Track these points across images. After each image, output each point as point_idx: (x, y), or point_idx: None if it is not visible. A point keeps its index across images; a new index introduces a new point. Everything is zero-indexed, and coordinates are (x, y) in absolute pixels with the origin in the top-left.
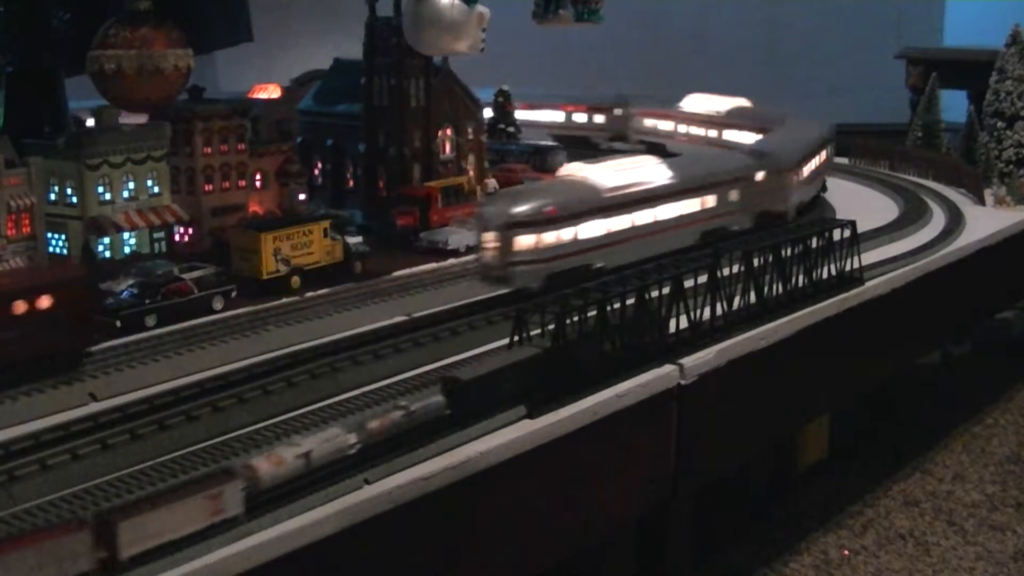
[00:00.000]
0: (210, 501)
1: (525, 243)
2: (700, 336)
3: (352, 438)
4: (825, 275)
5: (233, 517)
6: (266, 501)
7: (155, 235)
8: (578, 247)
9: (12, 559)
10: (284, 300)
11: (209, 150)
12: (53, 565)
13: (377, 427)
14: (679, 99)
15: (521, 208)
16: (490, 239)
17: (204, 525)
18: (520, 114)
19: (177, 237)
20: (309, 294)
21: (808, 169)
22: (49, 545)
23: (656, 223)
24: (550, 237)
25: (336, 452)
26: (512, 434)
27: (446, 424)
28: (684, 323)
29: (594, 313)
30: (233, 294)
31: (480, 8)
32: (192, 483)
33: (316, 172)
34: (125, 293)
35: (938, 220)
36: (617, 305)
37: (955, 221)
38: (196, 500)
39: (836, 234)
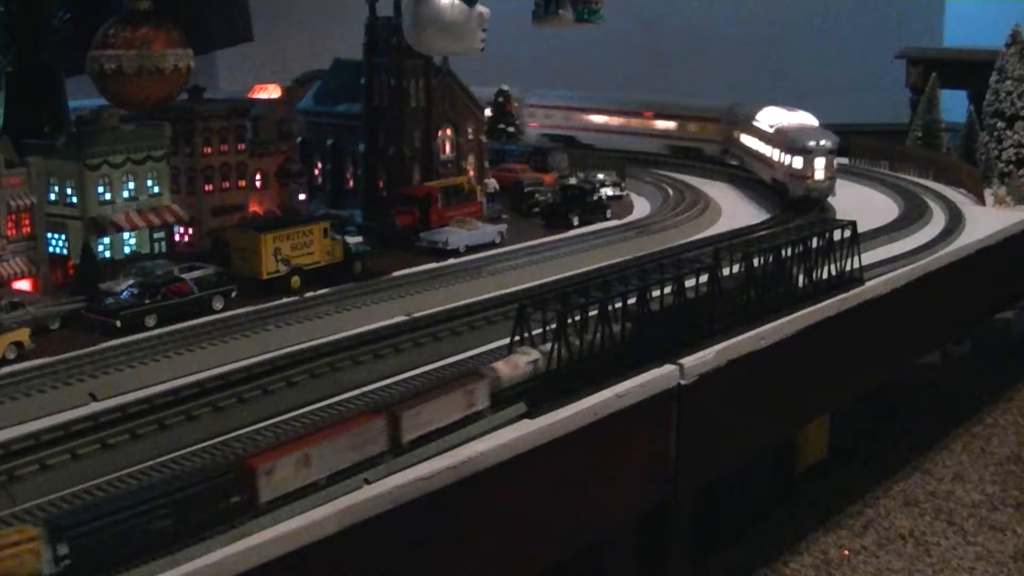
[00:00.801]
0: (466, 396)
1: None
2: (700, 336)
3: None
4: (825, 275)
5: (480, 411)
6: (504, 398)
7: (155, 235)
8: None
9: (334, 442)
10: (284, 300)
11: (209, 150)
12: (359, 447)
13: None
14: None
15: (831, 140)
16: (822, 164)
17: (460, 416)
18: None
19: (177, 237)
20: (309, 294)
21: None
22: (359, 430)
23: None
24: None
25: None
26: (512, 434)
27: None
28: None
29: (595, 312)
30: (233, 294)
31: (480, 8)
32: (453, 382)
33: (316, 172)
34: (125, 293)
35: (938, 220)
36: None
37: (955, 221)
38: (456, 395)
39: (836, 234)
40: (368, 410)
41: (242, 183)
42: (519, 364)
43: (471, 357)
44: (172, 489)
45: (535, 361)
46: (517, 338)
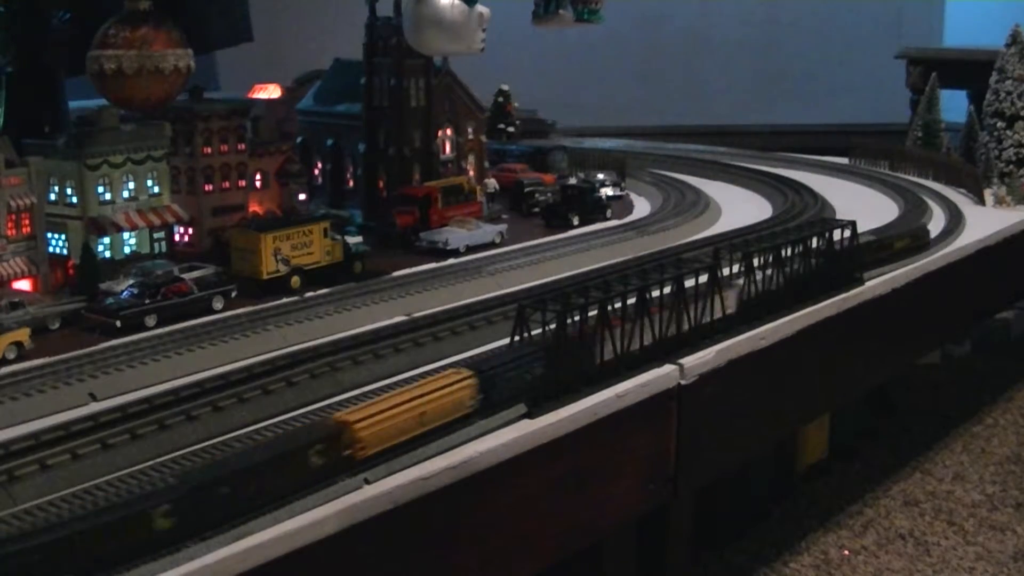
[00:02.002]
0: None
1: None
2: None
3: None
4: (825, 275)
5: None
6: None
7: (155, 235)
8: None
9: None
10: (284, 300)
11: (209, 150)
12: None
13: None
14: None
15: None
16: None
17: None
18: None
19: (177, 237)
20: (309, 294)
21: None
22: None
23: None
24: None
25: None
26: (512, 434)
27: None
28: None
29: (595, 312)
30: (233, 294)
31: (480, 8)
32: None
33: (316, 172)
34: (125, 293)
35: (938, 220)
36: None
37: (955, 221)
38: None
39: (836, 234)
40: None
41: (242, 183)
42: None
43: (470, 357)
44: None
45: None
46: (517, 338)
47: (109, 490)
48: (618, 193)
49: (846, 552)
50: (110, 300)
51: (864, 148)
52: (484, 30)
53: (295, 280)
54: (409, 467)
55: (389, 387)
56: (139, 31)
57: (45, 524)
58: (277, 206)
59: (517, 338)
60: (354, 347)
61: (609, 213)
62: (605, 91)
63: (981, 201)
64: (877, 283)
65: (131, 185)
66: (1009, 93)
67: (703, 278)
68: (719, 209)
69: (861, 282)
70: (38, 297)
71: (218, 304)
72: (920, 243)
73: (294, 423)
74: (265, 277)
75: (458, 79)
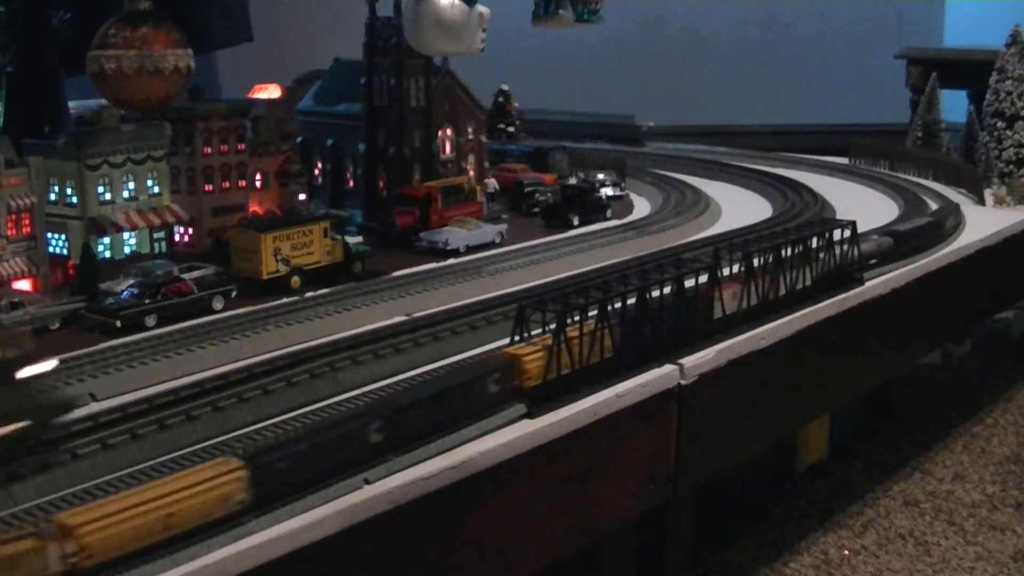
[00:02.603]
0: None
1: None
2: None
3: None
4: (825, 275)
5: None
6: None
7: (155, 235)
8: None
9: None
10: (284, 300)
11: (209, 150)
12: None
13: None
14: None
15: None
16: None
17: None
18: None
19: (177, 237)
20: (309, 294)
21: None
22: None
23: None
24: None
25: None
26: (512, 434)
27: None
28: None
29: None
30: (233, 294)
31: (480, 8)
32: None
33: (316, 172)
34: (125, 293)
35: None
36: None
37: (955, 221)
38: None
39: (836, 234)
40: None
41: (242, 183)
42: None
43: (471, 357)
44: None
45: None
46: (517, 338)
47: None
48: (618, 193)
49: (846, 552)
50: (110, 300)
51: (864, 148)
52: (484, 30)
53: (295, 280)
54: (409, 467)
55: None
56: (139, 31)
57: (293, 434)
58: (277, 206)
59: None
60: (354, 347)
61: (609, 213)
62: (605, 91)
63: (981, 201)
64: (877, 283)
65: (131, 185)
66: (1009, 93)
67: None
68: (719, 209)
69: (861, 282)
70: (38, 297)
71: (218, 304)
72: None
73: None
74: (265, 277)
75: (458, 79)
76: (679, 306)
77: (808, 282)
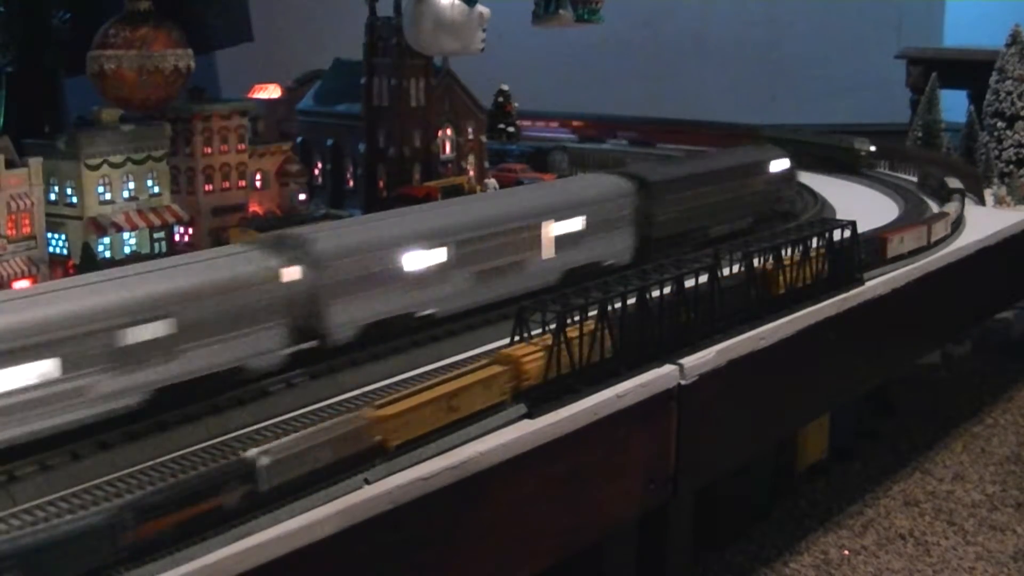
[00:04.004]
0: None
1: None
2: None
3: None
4: (825, 275)
5: None
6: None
7: (155, 235)
8: None
9: None
10: None
11: (209, 150)
12: None
13: None
14: None
15: None
16: None
17: None
18: None
19: (177, 237)
20: None
21: None
22: None
23: None
24: None
25: None
26: (512, 434)
27: None
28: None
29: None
30: None
31: (480, 8)
32: None
33: (316, 172)
34: None
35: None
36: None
37: (955, 221)
38: None
39: (836, 234)
40: None
41: (242, 183)
42: None
43: (470, 357)
44: None
45: None
46: (517, 338)
47: None
48: None
49: (846, 552)
50: None
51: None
52: (484, 30)
53: None
54: (409, 467)
55: None
56: (139, 31)
57: None
58: (277, 206)
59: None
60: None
61: None
62: (605, 91)
63: (981, 201)
64: (877, 283)
65: (131, 185)
66: (1009, 93)
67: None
68: None
69: (861, 282)
70: None
71: None
72: None
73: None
74: None
75: (458, 79)
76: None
77: (808, 282)
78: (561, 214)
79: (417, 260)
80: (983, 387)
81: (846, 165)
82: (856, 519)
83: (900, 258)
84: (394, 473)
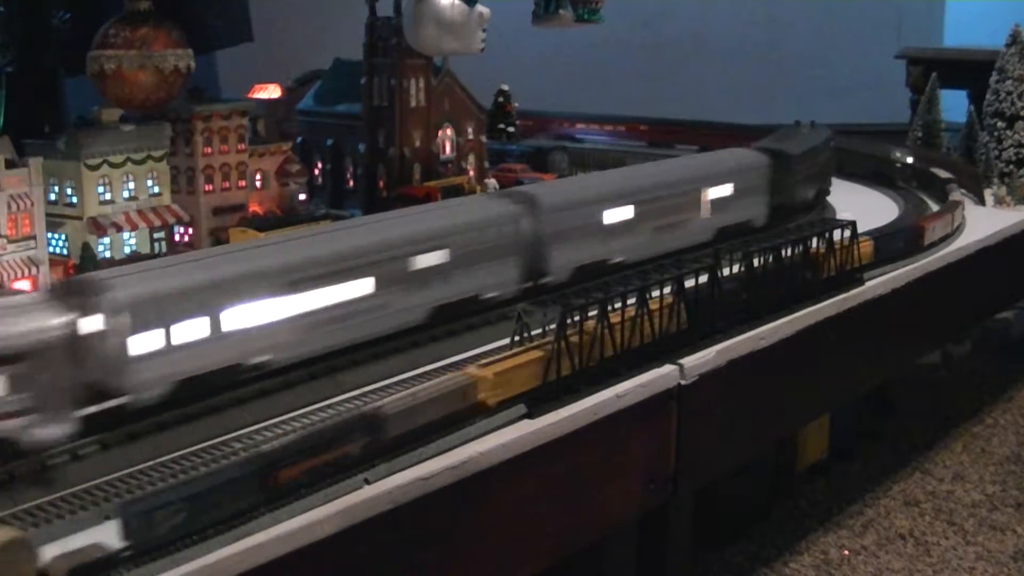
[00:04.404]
0: None
1: None
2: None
3: None
4: (825, 275)
5: None
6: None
7: (155, 235)
8: None
9: None
10: None
11: (209, 150)
12: None
13: None
14: None
15: None
16: None
17: None
18: None
19: (177, 237)
20: None
21: None
22: None
23: None
24: None
25: None
26: (512, 434)
27: None
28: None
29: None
30: None
31: (480, 8)
32: None
33: (316, 172)
34: None
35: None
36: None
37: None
38: None
39: (836, 234)
40: None
41: (242, 183)
42: None
43: (470, 357)
44: None
45: None
46: (517, 338)
47: None
48: None
49: (846, 552)
50: None
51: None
52: (484, 30)
53: None
54: (409, 467)
55: None
56: (139, 31)
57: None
58: (277, 206)
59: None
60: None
61: None
62: (605, 91)
63: (981, 201)
64: (877, 283)
65: (131, 185)
66: (1009, 93)
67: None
68: None
69: (861, 282)
70: None
71: None
72: None
73: None
74: None
75: (458, 79)
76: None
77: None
78: (715, 181)
79: (613, 215)
80: (983, 387)
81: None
82: (856, 519)
83: (933, 245)
84: (394, 473)
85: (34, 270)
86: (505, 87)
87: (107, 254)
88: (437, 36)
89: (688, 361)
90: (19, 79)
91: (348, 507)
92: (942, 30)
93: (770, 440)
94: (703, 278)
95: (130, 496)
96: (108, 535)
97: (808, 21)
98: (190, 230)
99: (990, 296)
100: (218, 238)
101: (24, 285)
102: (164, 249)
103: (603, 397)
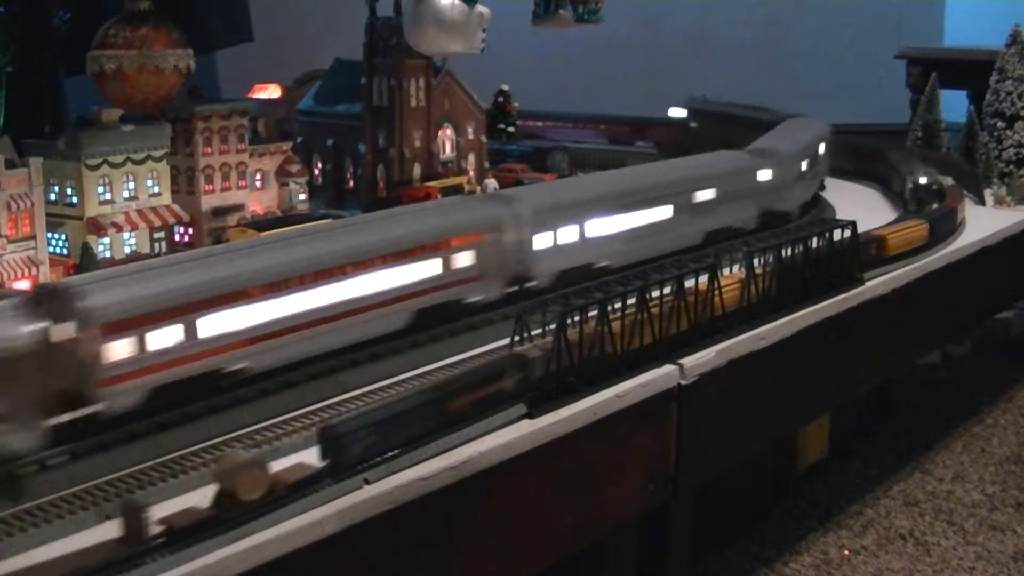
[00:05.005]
0: None
1: None
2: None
3: None
4: (825, 275)
5: None
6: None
7: (155, 235)
8: None
9: None
10: None
11: (209, 150)
12: None
13: None
14: None
15: None
16: None
17: None
18: None
19: (177, 237)
20: None
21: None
22: None
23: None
24: None
25: None
26: (512, 434)
27: None
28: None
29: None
30: None
31: (480, 8)
32: None
33: (316, 172)
34: None
35: None
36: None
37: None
38: None
39: (836, 234)
40: None
41: (242, 183)
42: None
43: (469, 357)
44: None
45: None
46: (516, 338)
47: None
48: None
49: (846, 552)
50: None
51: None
52: (484, 30)
53: None
54: (409, 467)
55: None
56: (139, 31)
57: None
58: (277, 206)
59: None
60: (354, 348)
61: None
62: (605, 91)
63: (981, 201)
64: (877, 283)
65: (131, 185)
66: (1009, 93)
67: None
68: None
69: (861, 282)
70: None
71: None
72: None
73: None
74: None
75: (458, 79)
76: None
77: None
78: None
79: None
80: (983, 387)
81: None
82: (856, 519)
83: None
84: (394, 473)
85: (34, 270)
86: (505, 87)
87: (107, 254)
88: (437, 36)
89: (688, 361)
90: (19, 79)
91: (348, 507)
92: (942, 30)
93: (770, 440)
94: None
95: (330, 421)
96: (311, 456)
97: (808, 21)
98: (190, 230)
99: (990, 296)
100: (218, 238)
101: (24, 285)
102: (164, 249)
103: (603, 397)
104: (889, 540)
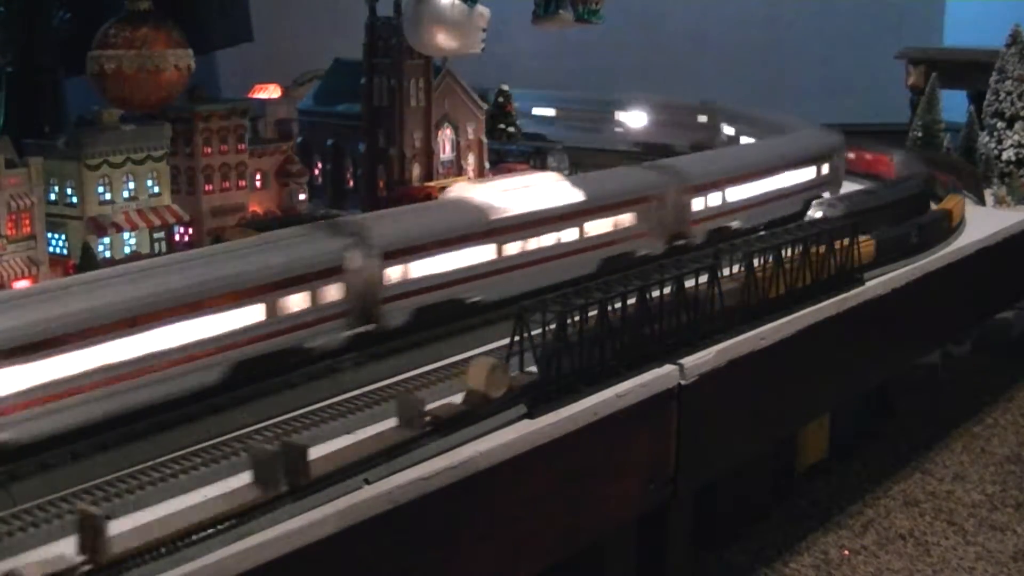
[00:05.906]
0: None
1: None
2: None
3: None
4: (825, 275)
5: None
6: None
7: (155, 235)
8: None
9: None
10: None
11: (209, 150)
12: None
13: None
14: None
15: None
16: None
17: None
18: None
19: (177, 237)
20: None
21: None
22: None
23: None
24: None
25: None
26: (512, 434)
27: None
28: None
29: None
30: None
31: (480, 8)
32: None
33: (316, 172)
34: None
35: None
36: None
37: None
38: None
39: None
40: None
41: (242, 183)
42: None
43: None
44: None
45: None
46: (516, 338)
47: None
48: None
49: (846, 552)
50: None
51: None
52: (484, 30)
53: None
54: (409, 467)
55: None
56: (139, 31)
57: None
58: (277, 206)
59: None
60: (354, 347)
61: None
62: (605, 91)
63: (981, 201)
64: (877, 283)
65: (131, 185)
66: (1009, 93)
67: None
68: None
69: (861, 282)
70: None
71: None
72: None
73: None
74: None
75: (458, 79)
76: None
77: (808, 282)
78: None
79: None
80: (983, 387)
81: None
82: (856, 519)
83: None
84: (394, 473)
85: (34, 270)
86: (505, 87)
87: (107, 254)
88: (437, 36)
89: (688, 361)
90: (19, 79)
91: (348, 507)
92: (942, 30)
93: (770, 440)
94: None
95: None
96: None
97: (808, 21)
98: (190, 230)
99: (990, 296)
100: (218, 238)
101: (24, 285)
102: (164, 249)
103: (603, 397)
104: (889, 540)
